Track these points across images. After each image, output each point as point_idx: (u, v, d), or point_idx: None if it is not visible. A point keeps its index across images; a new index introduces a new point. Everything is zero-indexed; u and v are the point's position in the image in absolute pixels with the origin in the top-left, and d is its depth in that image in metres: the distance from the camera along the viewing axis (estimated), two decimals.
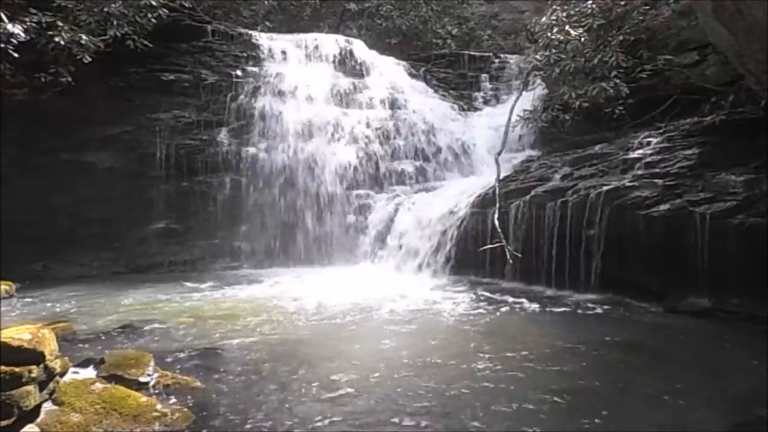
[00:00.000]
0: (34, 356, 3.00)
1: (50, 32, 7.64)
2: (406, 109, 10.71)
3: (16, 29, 7.22)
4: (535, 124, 9.57)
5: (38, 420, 3.06)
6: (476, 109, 11.76)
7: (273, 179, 9.59)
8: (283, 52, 10.75)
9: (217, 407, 3.53)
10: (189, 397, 3.65)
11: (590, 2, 8.77)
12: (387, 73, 11.38)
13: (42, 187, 8.62)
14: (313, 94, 10.31)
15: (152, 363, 3.96)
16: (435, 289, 7.30)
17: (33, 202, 8.47)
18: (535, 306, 6.31)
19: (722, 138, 6.65)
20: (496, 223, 7.43)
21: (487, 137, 10.59)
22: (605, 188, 6.86)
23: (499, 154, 9.14)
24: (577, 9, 8.81)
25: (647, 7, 8.71)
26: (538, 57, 8.96)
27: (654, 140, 7.41)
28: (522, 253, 7.20)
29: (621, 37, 8.37)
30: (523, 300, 6.54)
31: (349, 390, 3.84)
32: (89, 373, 3.80)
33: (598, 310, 6.15)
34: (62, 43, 7.65)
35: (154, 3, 8.55)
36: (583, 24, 8.56)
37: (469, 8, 15.34)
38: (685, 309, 5.90)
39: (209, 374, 4.10)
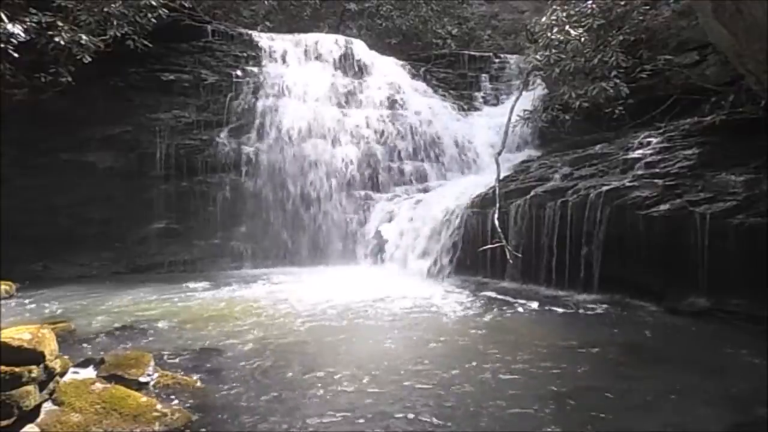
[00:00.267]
0: (34, 356, 3.00)
1: (50, 32, 7.63)
2: (406, 109, 10.71)
3: (16, 29, 7.21)
4: (535, 124, 9.58)
5: (38, 420, 3.06)
6: (476, 109, 11.76)
7: (273, 179, 9.58)
8: (283, 52, 10.75)
9: (217, 407, 3.54)
10: (189, 397, 3.65)
11: (590, 2, 8.76)
12: (387, 73, 11.37)
13: (42, 187, 8.62)
14: (313, 94, 10.30)
15: (152, 363, 3.96)
16: (435, 289, 7.30)
17: (33, 202, 8.46)
18: (535, 306, 6.31)
19: (722, 138, 6.64)
20: (496, 223, 7.43)
21: (487, 137, 10.60)
22: (605, 188, 6.86)
23: (499, 154, 9.14)
24: (577, 9, 8.81)
25: (647, 7, 8.71)
26: (538, 57, 8.96)
27: (654, 140, 7.42)
28: (522, 253, 7.20)
29: (621, 37, 8.37)
30: (524, 300, 6.54)
31: (350, 391, 3.84)
32: (89, 373, 3.80)
33: (599, 310, 6.15)
34: (62, 43, 7.64)
35: (154, 3, 8.54)
36: (583, 24, 8.56)
37: (469, 8, 15.35)
38: (685, 309, 5.90)
39: (209, 374, 4.10)
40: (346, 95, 10.61)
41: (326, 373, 4.13)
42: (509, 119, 9.53)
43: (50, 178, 8.69)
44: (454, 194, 8.92)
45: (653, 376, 4.11)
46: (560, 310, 6.18)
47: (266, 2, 13.11)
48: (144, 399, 3.42)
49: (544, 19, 8.99)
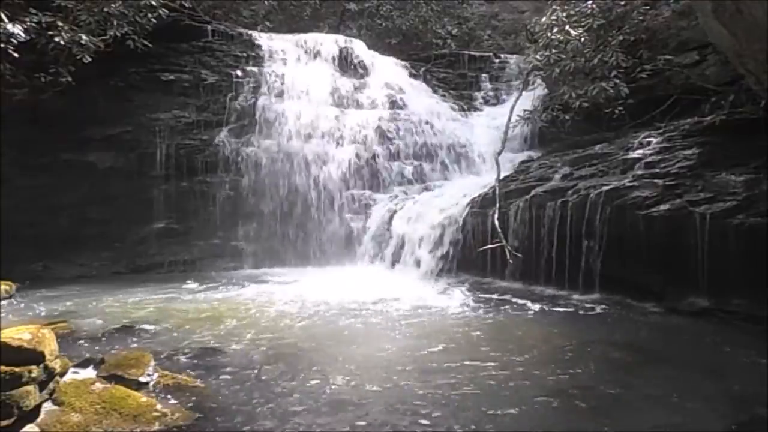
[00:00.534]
0: (34, 356, 3.00)
1: (50, 32, 7.63)
2: (406, 109, 10.71)
3: (16, 29, 7.21)
4: (535, 124, 9.57)
5: (38, 420, 3.06)
6: (476, 109, 11.74)
7: (273, 179, 9.58)
8: (283, 52, 10.75)
9: (217, 407, 3.53)
10: (189, 397, 3.65)
11: (590, 2, 8.77)
12: (387, 73, 11.37)
13: (42, 187, 8.62)
14: (313, 94, 10.30)
15: (152, 363, 3.96)
16: (435, 289, 7.30)
17: (33, 202, 8.46)
18: (535, 306, 6.30)
19: (722, 138, 6.64)
20: (496, 223, 7.43)
21: (487, 137, 10.58)
22: (605, 188, 6.86)
23: (499, 154, 9.14)
24: (577, 9, 8.81)
25: (647, 7, 8.71)
26: (538, 57, 8.96)
27: (654, 140, 7.41)
28: (522, 253, 7.20)
29: (621, 37, 8.37)
30: (524, 300, 6.54)
31: (350, 391, 3.84)
32: (89, 373, 3.80)
33: (598, 310, 6.15)
34: (62, 43, 7.63)
35: (154, 3, 8.54)
36: (583, 24, 8.56)
37: (469, 8, 15.34)
38: (685, 309, 5.90)
39: (209, 374, 4.10)
40: (346, 95, 10.60)
41: (326, 373, 4.13)
42: (509, 119, 9.53)
43: (50, 178, 8.69)
44: (454, 194, 8.92)
45: (653, 376, 4.11)
46: (560, 310, 6.18)
47: (266, 2, 13.12)
48: (144, 399, 3.42)
49: (544, 19, 8.99)
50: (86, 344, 4.82)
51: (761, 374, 4.09)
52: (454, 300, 6.66)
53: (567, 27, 8.47)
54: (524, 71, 10.90)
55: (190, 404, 3.53)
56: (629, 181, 6.80)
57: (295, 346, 4.85)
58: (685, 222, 6.10)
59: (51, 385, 3.18)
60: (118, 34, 8.29)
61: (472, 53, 12.83)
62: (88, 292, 7.24)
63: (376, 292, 6.96)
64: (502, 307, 6.29)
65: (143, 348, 4.51)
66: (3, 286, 6.82)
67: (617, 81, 8.11)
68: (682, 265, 6.07)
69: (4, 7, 7.28)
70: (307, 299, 6.63)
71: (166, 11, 8.91)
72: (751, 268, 5.53)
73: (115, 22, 8.23)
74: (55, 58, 7.94)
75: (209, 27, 10.35)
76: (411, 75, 11.75)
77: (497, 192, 7.91)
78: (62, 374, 3.34)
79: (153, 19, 8.66)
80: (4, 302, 6.49)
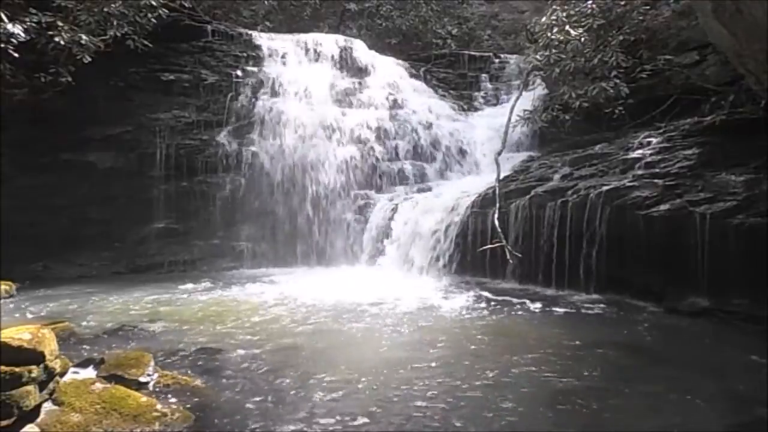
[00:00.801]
0: (34, 356, 3.00)
1: (50, 32, 7.63)
2: (406, 109, 10.71)
3: (16, 29, 7.21)
4: (535, 124, 9.56)
5: (38, 420, 3.06)
6: (476, 109, 11.76)
7: (273, 179, 9.59)
8: (283, 52, 10.75)
9: (217, 407, 3.53)
10: (189, 397, 3.65)
11: (590, 2, 8.76)
12: (387, 73, 11.38)
13: (42, 187, 8.62)
14: (313, 94, 10.31)
15: (152, 363, 3.96)
16: (435, 289, 7.30)
17: (33, 202, 8.47)
18: (535, 306, 6.30)
19: (722, 138, 6.64)
20: (496, 223, 7.43)
21: (487, 137, 10.59)
22: (605, 188, 6.86)
23: (499, 154, 9.14)
24: (577, 9, 8.81)
25: (647, 7, 8.71)
26: (538, 57, 8.96)
27: (654, 140, 7.41)
28: (522, 254, 7.20)
29: (621, 37, 8.37)
30: (524, 300, 6.53)
31: (350, 391, 3.83)
32: (89, 373, 3.80)
33: (599, 310, 6.15)
34: (62, 43, 7.64)
35: (154, 3, 8.55)
36: (583, 24, 8.56)
37: (469, 8, 15.36)
38: (685, 309, 5.90)
39: (209, 374, 4.10)
40: (346, 95, 10.61)
41: (326, 373, 4.13)
42: (509, 119, 9.52)
43: (50, 178, 8.70)
44: (454, 194, 8.92)
45: (653, 376, 4.11)
46: (560, 310, 6.18)
47: (266, 2, 13.12)
48: (144, 399, 3.42)
49: (544, 19, 8.99)
50: (86, 344, 4.82)
51: (761, 374, 4.09)
52: (455, 300, 6.66)
53: (567, 27, 8.47)
54: (524, 71, 10.91)
55: (190, 404, 3.52)
56: (629, 181, 6.80)
57: (296, 346, 4.85)
58: (685, 222, 6.10)
59: (51, 385, 3.17)
60: (118, 34, 8.30)
61: (472, 53, 12.85)
62: (88, 292, 7.24)
63: (376, 292, 6.96)
64: (502, 307, 6.28)
65: (143, 348, 4.51)
66: (3, 286, 6.83)
67: (617, 81, 8.11)
68: (682, 265, 6.08)
69: (4, 7, 7.28)
70: (307, 299, 6.63)
71: (166, 11, 8.92)
72: (751, 268, 5.53)
73: (115, 22, 8.24)
74: (55, 58, 7.94)
75: (209, 27, 10.36)
76: (411, 75, 11.76)
77: (497, 192, 7.91)
78: (62, 374, 3.34)
79: (153, 19, 8.67)
80: (3, 302, 6.49)
